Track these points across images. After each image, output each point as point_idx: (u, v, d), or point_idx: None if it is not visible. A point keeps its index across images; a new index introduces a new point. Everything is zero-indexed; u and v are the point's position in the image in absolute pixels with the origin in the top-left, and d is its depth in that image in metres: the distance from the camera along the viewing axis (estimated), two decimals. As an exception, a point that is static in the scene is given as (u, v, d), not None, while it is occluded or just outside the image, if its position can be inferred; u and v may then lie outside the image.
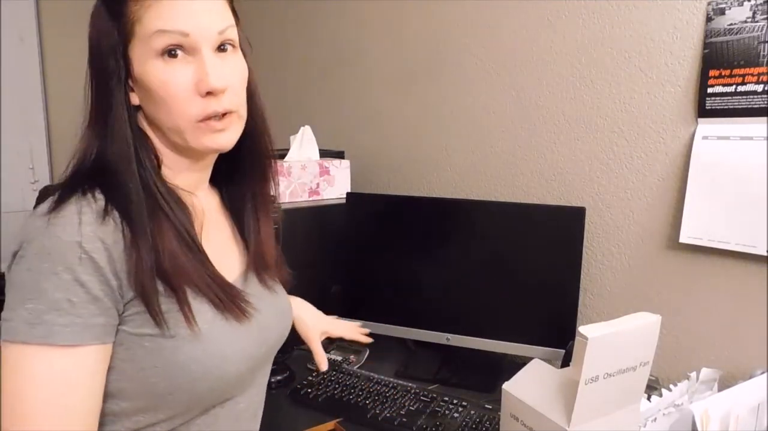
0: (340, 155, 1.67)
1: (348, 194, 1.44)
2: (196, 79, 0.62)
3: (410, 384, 1.19)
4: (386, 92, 1.68)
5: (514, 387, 0.72)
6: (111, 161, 0.63)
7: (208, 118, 0.63)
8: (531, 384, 0.71)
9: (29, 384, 0.56)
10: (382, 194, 1.57)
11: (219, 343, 0.64)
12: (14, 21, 2.20)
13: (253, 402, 0.75)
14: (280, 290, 0.82)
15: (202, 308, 0.64)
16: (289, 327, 0.83)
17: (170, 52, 0.61)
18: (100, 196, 0.61)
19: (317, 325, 1.01)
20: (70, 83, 2.32)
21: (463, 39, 1.46)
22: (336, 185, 1.55)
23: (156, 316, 0.60)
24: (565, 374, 0.69)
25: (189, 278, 0.63)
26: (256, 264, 0.76)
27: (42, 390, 0.56)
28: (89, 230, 0.57)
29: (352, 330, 1.08)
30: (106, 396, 0.62)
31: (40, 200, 1.97)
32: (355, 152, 1.72)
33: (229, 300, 0.66)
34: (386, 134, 1.69)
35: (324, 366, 0.98)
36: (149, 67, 0.62)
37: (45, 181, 2.29)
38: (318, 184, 1.51)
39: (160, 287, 0.61)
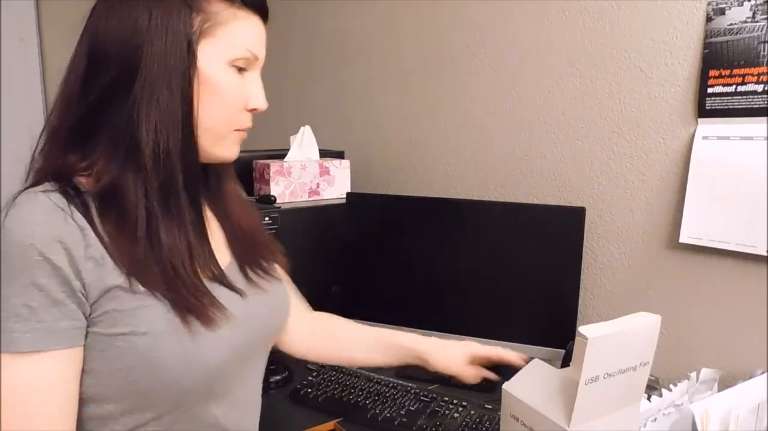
0: (340, 155, 1.67)
1: (348, 194, 1.44)
2: (247, 95, 0.68)
3: (410, 384, 1.19)
4: (386, 92, 1.68)
5: (514, 387, 0.72)
6: (152, 146, 0.61)
7: (241, 130, 0.69)
8: (531, 384, 0.71)
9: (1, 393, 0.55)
10: (382, 194, 1.57)
11: (197, 335, 0.63)
12: (14, 21, 2.20)
13: (247, 397, 0.74)
14: (273, 283, 0.79)
15: (165, 307, 0.63)
16: (283, 320, 0.81)
17: (240, 68, 0.67)
18: (63, 191, 0.60)
19: (457, 348, 0.93)
20: (70, 83, 2.33)
21: (463, 39, 1.46)
22: (336, 185, 1.55)
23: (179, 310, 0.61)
24: (565, 374, 0.69)
25: (163, 279, 0.62)
26: (241, 258, 0.75)
27: (11, 399, 0.55)
28: (44, 230, 0.56)
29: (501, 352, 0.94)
30: (89, 400, 0.61)
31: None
32: (355, 152, 1.72)
33: (196, 303, 0.64)
34: (386, 134, 1.69)
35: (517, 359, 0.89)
36: (220, 71, 0.65)
37: (45, 181, 2.29)
38: (318, 184, 1.51)
39: (132, 282, 0.60)
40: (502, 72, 1.39)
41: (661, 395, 0.85)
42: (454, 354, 0.92)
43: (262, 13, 0.68)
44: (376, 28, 1.68)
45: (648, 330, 0.66)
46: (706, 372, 0.95)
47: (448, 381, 1.24)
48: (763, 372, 0.91)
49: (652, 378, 1.08)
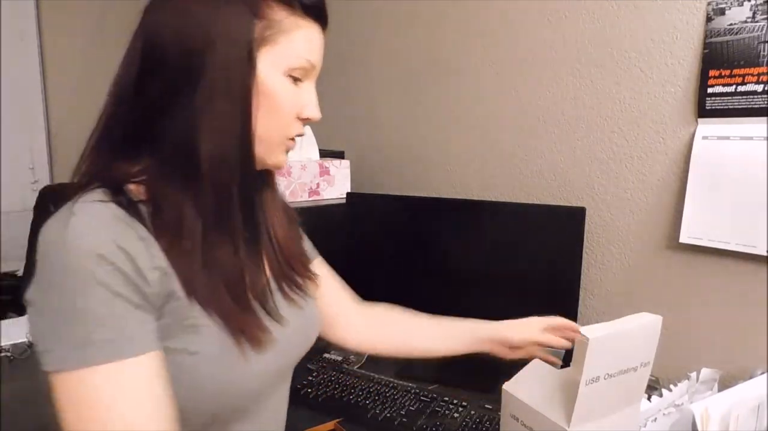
0: (340, 155, 1.67)
1: (348, 194, 1.44)
2: (302, 104, 0.66)
3: (410, 384, 1.19)
4: (386, 92, 1.68)
5: (514, 387, 0.72)
6: (210, 156, 0.59)
7: (292, 138, 0.68)
8: (531, 384, 0.71)
9: (96, 407, 0.52)
10: (382, 194, 1.57)
11: (245, 358, 0.62)
12: (14, 21, 2.20)
13: (275, 416, 0.74)
14: (308, 300, 0.77)
15: (217, 325, 0.61)
16: (314, 339, 0.79)
17: (296, 78, 0.65)
18: (118, 201, 0.56)
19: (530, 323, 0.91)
20: (70, 83, 2.33)
21: (463, 39, 1.46)
22: (336, 185, 1.55)
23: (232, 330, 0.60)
24: (565, 374, 0.69)
25: (218, 298, 0.60)
26: (278, 273, 0.73)
27: (112, 410, 0.53)
28: (109, 240, 0.53)
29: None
30: None
31: (40, 201, 1.97)
32: (355, 152, 1.72)
33: (248, 325, 0.63)
34: (386, 134, 1.69)
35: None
36: (277, 78, 0.63)
37: (45, 181, 2.29)
38: (318, 184, 1.51)
39: (191, 298, 0.58)
40: (502, 72, 1.39)
41: (661, 395, 0.85)
42: (531, 324, 0.91)
43: (323, 21, 0.67)
44: (377, 28, 1.68)
45: (649, 330, 0.66)
46: (706, 372, 0.95)
47: (448, 381, 1.24)
48: (763, 372, 0.91)
49: (652, 378, 1.08)
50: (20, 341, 1.38)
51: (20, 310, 1.67)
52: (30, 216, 1.93)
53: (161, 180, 0.60)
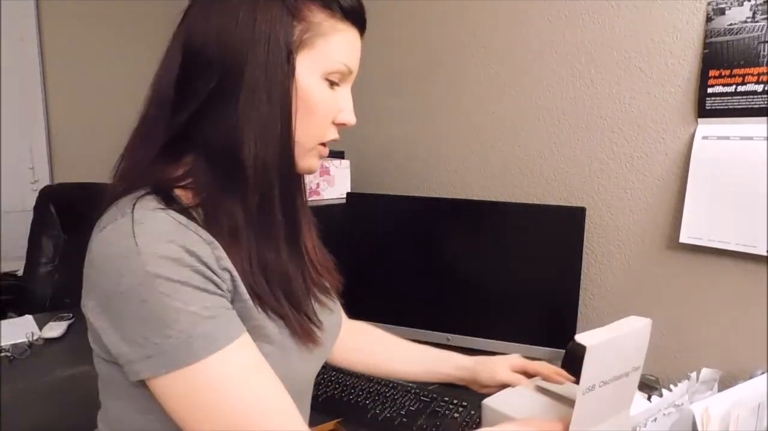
0: (340, 155, 1.67)
1: (348, 194, 1.44)
2: (337, 108, 0.65)
3: (410, 384, 1.19)
4: (386, 92, 1.68)
5: (495, 402, 0.72)
6: (253, 160, 0.59)
7: (324, 144, 0.66)
8: (513, 400, 0.71)
9: (218, 396, 0.54)
10: (382, 194, 1.57)
11: (296, 361, 0.63)
12: (14, 21, 2.20)
13: (305, 416, 0.74)
14: (335, 302, 0.79)
15: (277, 326, 0.62)
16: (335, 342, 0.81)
17: (332, 82, 0.64)
18: (174, 208, 0.57)
19: (502, 362, 0.91)
20: (70, 83, 2.34)
21: (463, 39, 1.46)
22: (336, 185, 1.55)
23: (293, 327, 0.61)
24: (547, 396, 0.69)
25: (274, 299, 0.61)
26: (311, 278, 0.74)
27: (232, 394, 0.54)
28: (180, 244, 0.54)
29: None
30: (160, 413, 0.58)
31: (40, 201, 1.97)
32: (355, 152, 1.72)
33: (305, 324, 0.64)
34: (386, 134, 1.69)
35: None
36: (314, 82, 0.62)
37: (45, 181, 2.29)
38: (318, 184, 1.51)
39: (255, 301, 0.60)
40: (502, 72, 1.39)
41: (661, 395, 0.85)
42: (501, 364, 0.90)
43: (362, 26, 0.67)
44: (377, 28, 1.67)
45: (640, 334, 0.65)
46: (706, 372, 0.95)
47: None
48: (763, 372, 0.91)
49: (652, 378, 1.09)
50: (20, 341, 1.38)
51: (20, 310, 1.67)
52: (30, 216, 1.93)
53: (209, 185, 0.60)
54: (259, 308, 0.60)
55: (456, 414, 1.06)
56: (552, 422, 0.65)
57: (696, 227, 1.09)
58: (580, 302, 1.19)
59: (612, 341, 0.61)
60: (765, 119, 0.99)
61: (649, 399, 0.84)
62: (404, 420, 1.05)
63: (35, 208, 1.91)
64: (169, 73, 0.61)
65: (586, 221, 1.18)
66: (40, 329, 1.43)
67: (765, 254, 1.00)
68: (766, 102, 0.99)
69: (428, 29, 1.54)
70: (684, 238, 1.10)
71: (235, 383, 0.55)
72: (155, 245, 0.53)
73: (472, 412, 1.08)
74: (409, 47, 1.60)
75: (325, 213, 1.47)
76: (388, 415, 1.06)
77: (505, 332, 1.24)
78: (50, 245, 1.85)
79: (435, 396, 1.13)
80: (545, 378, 0.84)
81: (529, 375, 0.88)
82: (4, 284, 1.92)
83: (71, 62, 2.34)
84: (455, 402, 1.11)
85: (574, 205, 1.24)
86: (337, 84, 0.65)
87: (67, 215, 1.86)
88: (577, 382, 0.62)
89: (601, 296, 1.26)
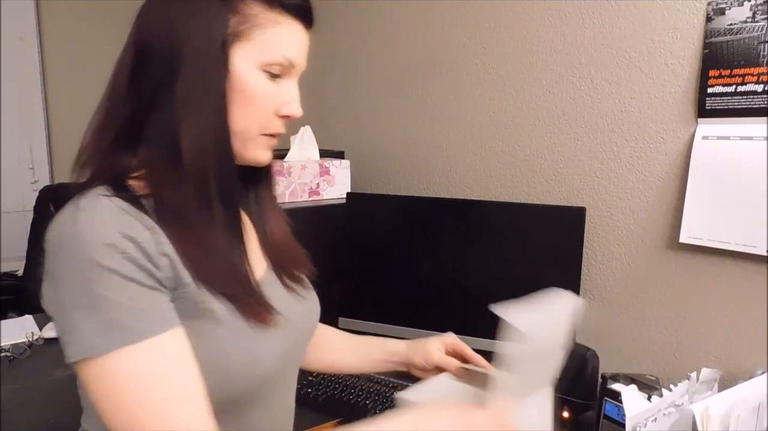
0: (340, 155, 1.67)
1: (348, 194, 1.44)
2: (280, 101, 0.66)
3: (410, 384, 1.18)
4: (386, 92, 1.68)
5: (412, 395, 0.71)
6: (190, 148, 0.61)
7: (272, 135, 0.68)
8: (431, 392, 0.70)
9: (128, 388, 0.54)
10: (382, 194, 1.57)
11: (254, 337, 0.63)
12: (14, 21, 2.20)
13: (284, 403, 0.75)
14: (309, 290, 0.80)
15: (226, 308, 0.63)
16: (315, 329, 0.81)
17: (273, 74, 0.65)
18: (121, 195, 0.59)
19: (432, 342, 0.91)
20: (70, 83, 2.34)
21: (463, 39, 1.46)
22: (336, 185, 1.55)
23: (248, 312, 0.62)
24: (469, 382, 0.69)
25: (223, 282, 0.62)
26: (277, 265, 0.75)
27: (143, 389, 0.54)
28: (117, 230, 0.55)
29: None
30: None
31: (40, 201, 1.97)
32: (355, 152, 1.72)
33: (254, 304, 0.65)
34: (386, 134, 1.69)
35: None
36: (251, 74, 0.63)
37: (45, 181, 2.29)
38: (318, 184, 1.51)
39: (198, 284, 0.60)
40: (502, 72, 1.39)
41: (661, 395, 0.85)
42: (434, 345, 0.91)
43: (305, 19, 0.66)
44: (377, 28, 1.68)
45: (566, 311, 0.65)
46: (706, 372, 0.95)
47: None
48: (763, 372, 0.91)
49: (652, 378, 1.08)
50: (20, 341, 1.38)
51: (20, 310, 1.67)
52: (30, 216, 1.93)
53: (156, 173, 0.62)
54: (206, 291, 0.60)
55: (456, 414, 1.06)
56: (473, 405, 0.66)
57: (696, 227, 1.09)
58: (580, 302, 1.19)
59: (535, 321, 0.61)
60: (765, 119, 0.99)
61: (649, 399, 0.84)
62: (404, 420, 1.05)
63: (35, 208, 1.91)
64: (122, 69, 0.64)
65: (586, 221, 1.18)
66: (40, 329, 1.43)
67: (765, 254, 1.00)
68: (766, 102, 0.99)
69: (428, 29, 1.54)
70: (684, 238, 1.10)
71: (141, 380, 0.55)
72: (92, 231, 0.54)
73: (472, 412, 1.07)
74: (409, 47, 1.60)
75: (325, 213, 1.47)
76: (388, 415, 1.06)
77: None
78: (50, 245, 1.85)
79: (435, 396, 1.13)
80: (477, 364, 0.85)
81: (463, 359, 0.88)
82: (4, 284, 1.92)
83: (71, 62, 2.34)
84: (455, 402, 1.10)
85: (574, 205, 1.24)
86: (278, 76, 0.65)
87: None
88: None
89: (601, 296, 1.26)
